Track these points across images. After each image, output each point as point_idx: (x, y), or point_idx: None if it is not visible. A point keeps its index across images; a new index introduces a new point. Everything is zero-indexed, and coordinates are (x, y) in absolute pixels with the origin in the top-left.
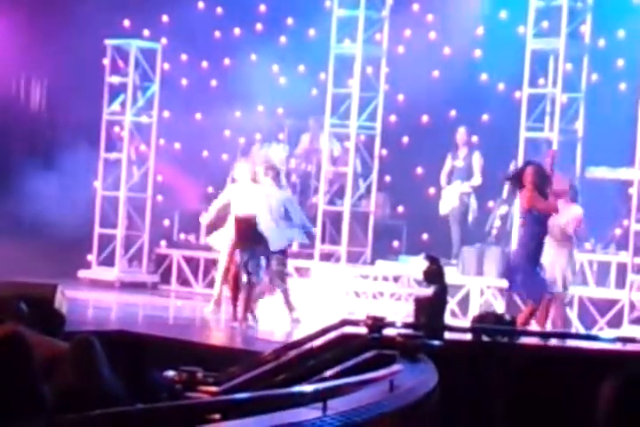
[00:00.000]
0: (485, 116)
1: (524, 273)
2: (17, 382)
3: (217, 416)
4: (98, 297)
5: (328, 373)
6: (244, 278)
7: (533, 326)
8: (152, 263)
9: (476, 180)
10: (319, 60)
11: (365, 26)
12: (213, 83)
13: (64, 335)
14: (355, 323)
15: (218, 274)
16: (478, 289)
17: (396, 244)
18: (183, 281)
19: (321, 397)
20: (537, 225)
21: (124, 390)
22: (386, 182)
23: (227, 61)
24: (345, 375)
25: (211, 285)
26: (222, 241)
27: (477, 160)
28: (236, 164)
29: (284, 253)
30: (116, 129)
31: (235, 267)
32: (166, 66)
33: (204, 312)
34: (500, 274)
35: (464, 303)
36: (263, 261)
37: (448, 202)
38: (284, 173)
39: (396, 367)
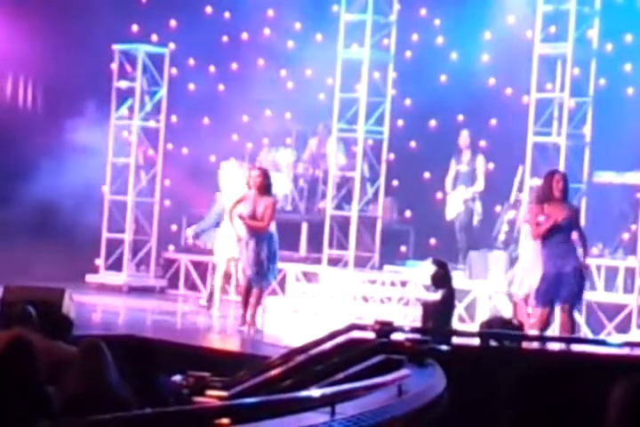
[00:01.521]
0: (493, 121)
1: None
2: (22, 386)
3: (225, 421)
4: (105, 301)
5: (336, 377)
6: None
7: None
8: (160, 268)
9: (479, 185)
10: (326, 64)
11: (373, 30)
12: (221, 87)
13: (72, 340)
14: (362, 328)
15: (217, 276)
16: (486, 294)
17: (403, 248)
18: (191, 286)
19: (329, 401)
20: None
21: (132, 395)
22: (393, 187)
23: (234, 66)
24: (353, 380)
25: (219, 289)
26: (221, 248)
27: (481, 164)
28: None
29: None
30: (124, 134)
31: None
32: (174, 71)
33: (199, 302)
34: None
35: (471, 308)
36: (273, 265)
37: (453, 207)
38: (291, 178)
39: (403, 372)
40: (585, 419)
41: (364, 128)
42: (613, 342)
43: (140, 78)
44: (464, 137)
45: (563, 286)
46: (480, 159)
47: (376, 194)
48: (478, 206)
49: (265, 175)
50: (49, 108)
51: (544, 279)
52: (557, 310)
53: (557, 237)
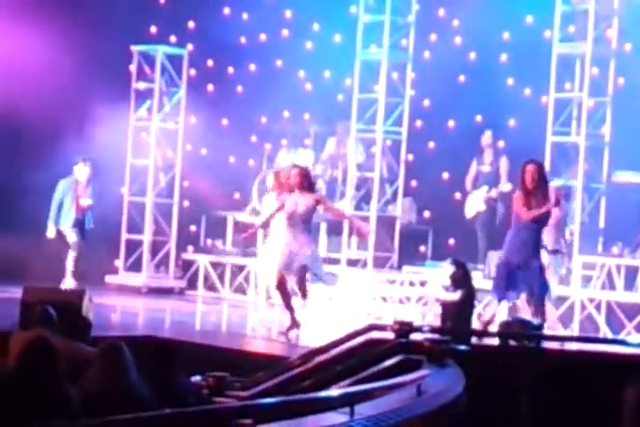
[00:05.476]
0: (512, 121)
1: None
2: (43, 386)
3: (247, 421)
4: (125, 303)
5: (355, 377)
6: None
7: (560, 330)
8: (179, 269)
9: (506, 186)
10: (345, 65)
11: (391, 31)
12: (239, 88)
13: (91, 340)
14: (382, 328)
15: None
16: None
17: (422, 249)
18: (210, 287)
19: (348, 401)
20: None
21: (152, 395)
22: (412, 187)
23: (252, 67)
24: (372, 380)
25: (238, 290)
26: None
27: (505, 165)
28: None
29: None
30: (143, 135)
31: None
32: (192, 71)
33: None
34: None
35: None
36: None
37: (474, 206)
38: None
39: (423, 372)
40: (603, 419)
41: (383, 129)
42: (633, 342)
43: (158, 79)
44: (487, 137)
45: (526, 281)
46: (504, 160)
47: (395, 194)
48: (501, 207)
49: (304, 174)
50: (67, 109)
51: (503, 266)
52: (524, 302)
53: (531, 229)
